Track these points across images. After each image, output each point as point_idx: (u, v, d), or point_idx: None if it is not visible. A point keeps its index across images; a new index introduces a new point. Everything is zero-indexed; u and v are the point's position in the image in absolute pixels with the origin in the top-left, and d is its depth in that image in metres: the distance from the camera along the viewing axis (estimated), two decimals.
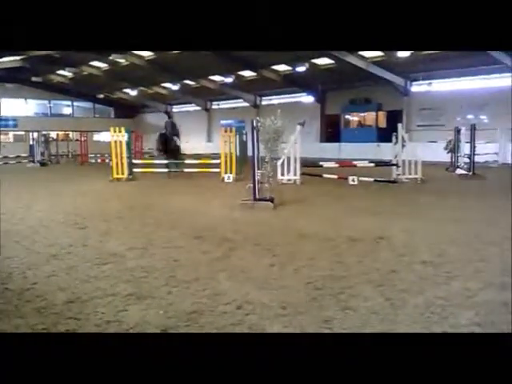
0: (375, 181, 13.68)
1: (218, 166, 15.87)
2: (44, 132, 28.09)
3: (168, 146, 16.56)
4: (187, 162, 17.68)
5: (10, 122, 40.84)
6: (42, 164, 23.51)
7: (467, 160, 15.96)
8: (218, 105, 39.13)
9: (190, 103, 40.24)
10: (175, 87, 34.77)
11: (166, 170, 16.63)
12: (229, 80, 30.81)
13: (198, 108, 39.90)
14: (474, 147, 15.43)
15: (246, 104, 35.32)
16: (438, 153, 19.34)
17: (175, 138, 16.72)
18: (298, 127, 14.06)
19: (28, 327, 3.47)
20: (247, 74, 30.65)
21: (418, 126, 25.97)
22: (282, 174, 13.72)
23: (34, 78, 36.69)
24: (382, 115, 28.15)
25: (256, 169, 9.36)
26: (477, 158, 15.90)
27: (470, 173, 15.25)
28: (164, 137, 16.75)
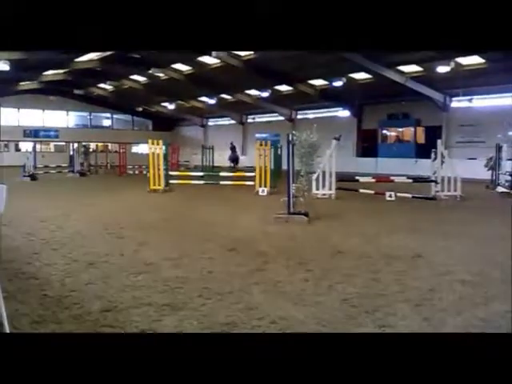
0: (413, 197, 13.43)
1: (252, 179, 15.92)
2: (84, 143, 28.88)
3: (234, 157, 32.89)
4: (222, 174, 17.94)
5: (52, 133, 42.15)
6: (82, 174, 24.09)
7: (509, 178, 15.50)
8: (254, 118, 39.32)
9: (226, 117, 40.64)
10: (212, 101, 35.14)
11: (201, 182, 16.90)
12: (265, 94, 30.92)
13: (234, 122, 40.24)
14: None
15: (282, 118, 35.38)
16: (477, 170, 18.86)
17: (236, 153, 33.28)
18: (334, 141, 13.97)
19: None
20: (283, 88, 30.72)
21: (458, 142, 25.38)
22: (317, 189, 13.63)
23: (76, 91, 37.80)
24: (420, 131, 27.68)
25: (291, 182, 9.33)
26: None
27: None
28: (232, 155, 32.95)
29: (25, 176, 20.42)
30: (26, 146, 36.74)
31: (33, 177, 20.58)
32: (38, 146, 32.04)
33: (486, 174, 17.80)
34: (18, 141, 40.15)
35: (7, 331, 2.98)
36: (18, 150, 39.90)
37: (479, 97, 24.78)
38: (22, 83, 33.78)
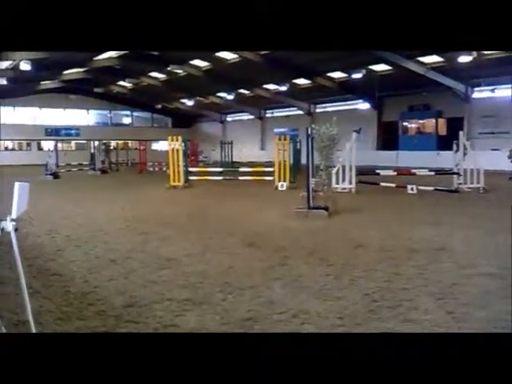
0: (435, 190, 13.26)
1: (271, 173, 15.90)
2: (104, 141, 29.18)
3: None
4: (241, 169, 17.99)
5: (73, 132, 42.72)
6: (103, 171, 24.36)
7: None
8: (272, 113, 39.26)
9: (244, 112, 40.64)
10: (230, 96, 35.19)
11: (220, 177, 16.95)
12: (283, 88, 30.80)
13: (252, 117, 40.23)
14: None
15: (300, 112, 35.24)
16: (501, 161, 18.52)
17: None
18: (354, 134, 13.85)
19: (88, 329, 3.57)
20: (302, 81, 30.55)
21: (480, 133, 24.94)
22: (337, 183, 13.54)
23: (95, 89, 38.19)
24: (442, 122, 27.27)
25: (310, 177, 9.28)
26: None
27: None
28: None
29: (47, 174, 20.71)
30: (48, 144, 37.25)
31: (55, 175, 20.87)
32: (59, 145, 32.38)
33: (510, 166, 17.47)
34: (40, 140, 40.73)
35: (33, 329, 3.02)
36: (40, 148, 40.48)
37: (502, 86, 24.29)
38: (42, 82, 34.25)
